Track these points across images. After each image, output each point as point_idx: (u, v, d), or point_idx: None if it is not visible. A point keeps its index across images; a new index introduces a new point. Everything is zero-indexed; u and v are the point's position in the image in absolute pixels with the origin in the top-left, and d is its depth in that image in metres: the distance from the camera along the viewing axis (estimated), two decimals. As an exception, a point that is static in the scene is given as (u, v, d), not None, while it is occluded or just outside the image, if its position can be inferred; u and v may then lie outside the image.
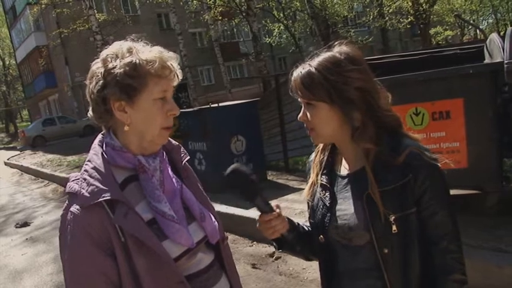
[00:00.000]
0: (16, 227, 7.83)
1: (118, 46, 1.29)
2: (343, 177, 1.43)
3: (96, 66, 1.27)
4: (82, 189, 1.22)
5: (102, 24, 18.98)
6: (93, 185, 1.22)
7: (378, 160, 1.32)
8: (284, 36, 28.74)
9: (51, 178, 12.48)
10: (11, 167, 18.56)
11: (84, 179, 1.24)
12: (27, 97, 39.97)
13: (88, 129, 26.08)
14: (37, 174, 14.05)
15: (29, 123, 37.90)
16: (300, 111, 1.41)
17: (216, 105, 7.17)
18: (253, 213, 5.30)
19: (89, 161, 1.29)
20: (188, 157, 1.48)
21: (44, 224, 7.78)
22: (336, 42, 1.39)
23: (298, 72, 1.37)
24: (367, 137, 1.32)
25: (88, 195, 1.21)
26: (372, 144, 1.32)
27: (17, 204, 10.23)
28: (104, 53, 1.28)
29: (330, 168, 1.48)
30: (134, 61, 1.23)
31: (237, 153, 7.07)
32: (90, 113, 1.32)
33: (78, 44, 26.11)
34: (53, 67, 32.38)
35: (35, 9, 24.39)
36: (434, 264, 1.32)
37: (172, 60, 1.30)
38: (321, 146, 1.52)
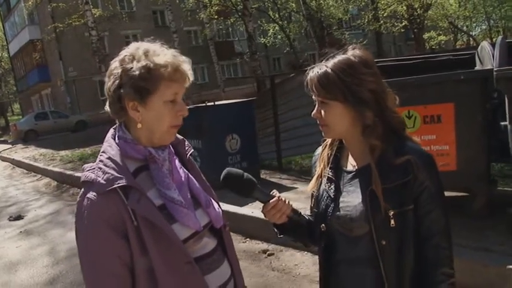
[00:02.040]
0: (10, 220, 7.85)
1: (135, 47, 1.38)
2: (348, 172, 1.54)
3: (114, 66, 1.37)
4: (98, 177, 1.32)
5: (98, 19, 18.96)
6: (109, 173, 1.32)
7: (382, 158, 1.43)
8: (279, 36, 28.86)
9: (44, 172, 12.49)
10: (2, 160, 18.51)
11: (100, 168, 1.34)
12: (19, 91, 39.70)
13: (80, 125, 26.04)
14: (30, 168, 14.03)
15: (21, 117, 37.73)
16: (314, 109, 1.51)
17: (212, 103, 7.25)
18: (247, 210, 5.40)
19: (103, 152, 1.40)
20: (192, 150, 1.60)
21: (37, 218, 7.82)
22: (350, 46, 1.50)
23: (315, 72, 1.47)
24: (376, 135, 1.43)
25: (104, 182, 1.31)
26: (379, 141, 1.43)
27: (9, 198, 10.23)
28: (122, 53, 1.37)
29: (336, 163, 1.58)
30: (149, 65, 1.33)
31: (232, 152, 7.15)
32: (107, 107, 1.42)
33: (72, 39, 26.03)
34: (47, 61, 32.23)
35: (29, 3, 24.27)
36: (426, 257, 1.43)
37: (185, 64, 1.40)
38: (328, 141, 1.62)
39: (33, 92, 36.13)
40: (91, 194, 1.31)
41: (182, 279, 1.35)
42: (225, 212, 5.55)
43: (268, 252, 4.74)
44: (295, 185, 6.73)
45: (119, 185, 1.30)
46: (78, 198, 1.36)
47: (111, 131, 1.45)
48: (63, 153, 15.31)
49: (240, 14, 20.77)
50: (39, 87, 33.90)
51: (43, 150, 17.50)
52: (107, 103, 1.41)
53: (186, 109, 1.43)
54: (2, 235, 6.99)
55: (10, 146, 23.73)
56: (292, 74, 9.90)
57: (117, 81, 1.34)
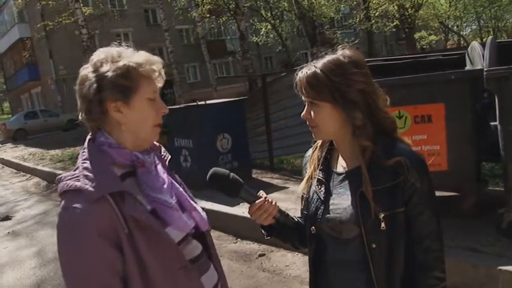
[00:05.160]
0: (-2, 221, 7.76)
1: (106, 51, 1.35)
2: (338, 174, 1.52)
3: (87, 71, 1.33)
4: (85, 185, 1.26)
5: (88, 18, 18.79)
6: (97, 180, 1.27)
7: (372, 160, 1.41)
8: (271, 35, 28.82)
9: (34, 172, 12.37)
10: (-9, 159, 18.31)
11: (85, 176, 1.28)
12: (9, 89, 39.34)
13: (71, 123, 25.81)
14: (19, 168, 13.88)
15: (10, 115, 37.36)
16: (304, 109, 1.48)
17: (203, 102, 7.21)
18: (238, 210, 5.37)
19: (86, 159, 1.33)
20: (170, 157, 1.56)
21: (26, 218, 7.72)
22: (339, 46, 1.47)
23: (304, 72, 1.44)
24: (366, 136, 1.41)
25: (93, 189, 1.25)
26: (370, 143, 1.41)
27: (-2, 198, 10.11)
28: (94, 59, 1.34)
29: (326, 165, 1.56)
30: (127, 64, 1.31)
31: (223, 151, 7.12)
32: (82, 116, 1.36)
33: (63, 37, 25.85)
34: (37, 60, 31.95)
35: (19, 1, 24.04)
36: (417, 261, 1.41)
37: (158, 63, 1.39)
38: (319, 142, 1.60)
39: (23, 90, 35.80)
40: (79, 204, 1.25)
41: (179, 284, 1.34)
42: (215, 212, 5.54)
43: (259, 253, 4.72)
44: (286, 185, 6.72)
45: (113, 190, 1.26)
46: (59, 210, 1.29)
47: (89, 138, 1.40)
48: (53, 152, 15.17)
49: (232, 12, 20.71)
50: (29, 85, 33.61)
51: (32, 150, 17.34)
52: (82, 112, 1.36)
53: (166, 107, 1.41)
54: (-10, 236, 6.90)
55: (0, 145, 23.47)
56: (283, 73, 9.89)
57: (95, 85, 1.30)
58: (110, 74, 1.30)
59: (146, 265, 1.27)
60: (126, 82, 1.30)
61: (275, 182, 7.13)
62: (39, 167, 12.36)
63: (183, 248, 1.39)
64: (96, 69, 1.32)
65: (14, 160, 15.19)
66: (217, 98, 11.51)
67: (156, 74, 1.37)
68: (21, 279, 4.98)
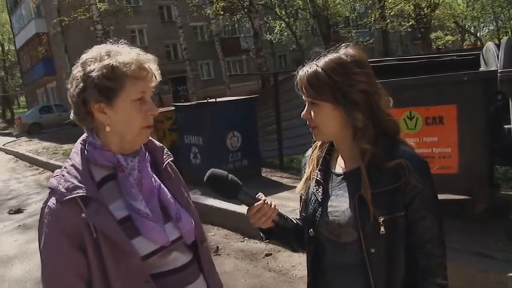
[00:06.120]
0: (9, 213, 7.84)
1: (97, 50, 1.33)
2: (337, 175, 1.47)
3: (76, 70, 1.32)
4: (59, 185, 1.28)
5: (103, 14, 18.93)
6: (70, 181, 1.28)
7: (373, 162, 1.36)
8: (285, 34, 28.75)
9: (46, 166, 12.49)
10: (6, 153, 18.53)
11: (63, 176, 1.31)
12: (25, 84, 39.83)
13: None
14: (32, 162, 14.05)
15: (26, 109, 37.84)
16: (304, 109, 1.44)
17: (214, 100, 7.20)
18: (246, 208, 5.34)
19: (69, 158, 1.36)
20: (171, 158, 1.52)
21: (37, 212, 7.62)
22: (342, 45, 1.42)
23: (305, 71, 1.40)
24: (367, 139, 1.36)
25: (64, 190, 1.27)
26: (370, 145, 1.36)
27: (10, 191, 10.22)
28: (84, 57, 1.33)
29: (325, 165, 1.52)
30: (111, 63, 1.28)
31: (233, 149, 7.10)
32: (72, 115, 1.36)
33: (78, 33, 26.06)
34: (52, 55, 32.31)
35: (36, -4, 24.33)
36: (417, 267, 1.36)
37: (150, 62, 1.34)
38: (319, 142, 1.55)
39: (39, 85, 36.23)
40: (51, 202, 1.29)
41: None
42: (223, 210, 5.46)
43: (265, 252, 4.68)
44: (295, 184, 6.55)
45: (77, 195, 1.26)
46: (42, 204, 1.34)
47: (82, 136, 1.41)
48: (66, 147, 15.28)
49: (246, 10, 20.69)
50: (44, 80, 34.00)
51: (46, 144, 17.52)
52: (71, 110, 1.35)
53: (155, 108, 1.37)
54: (1, 228, 6.98)
55: (14, 138, 23.76)
56: (295, 71, 9.84)
57: (81, 84, 1.29)
58: (94, 74, 1.28)
59: (108, 273, 1.26)
60: (109, 83, 1.28)
61: (284, 181, 7.08)
62: (52, 161, 12.47)
63: (158, 259, 1.34)
64: (83, 68, 1.30)
65: (28, 154, 15.37)
66: (231, 96, 11.50)
67: (145, 73, 1.32)
68: (29, 272, 5.01)
